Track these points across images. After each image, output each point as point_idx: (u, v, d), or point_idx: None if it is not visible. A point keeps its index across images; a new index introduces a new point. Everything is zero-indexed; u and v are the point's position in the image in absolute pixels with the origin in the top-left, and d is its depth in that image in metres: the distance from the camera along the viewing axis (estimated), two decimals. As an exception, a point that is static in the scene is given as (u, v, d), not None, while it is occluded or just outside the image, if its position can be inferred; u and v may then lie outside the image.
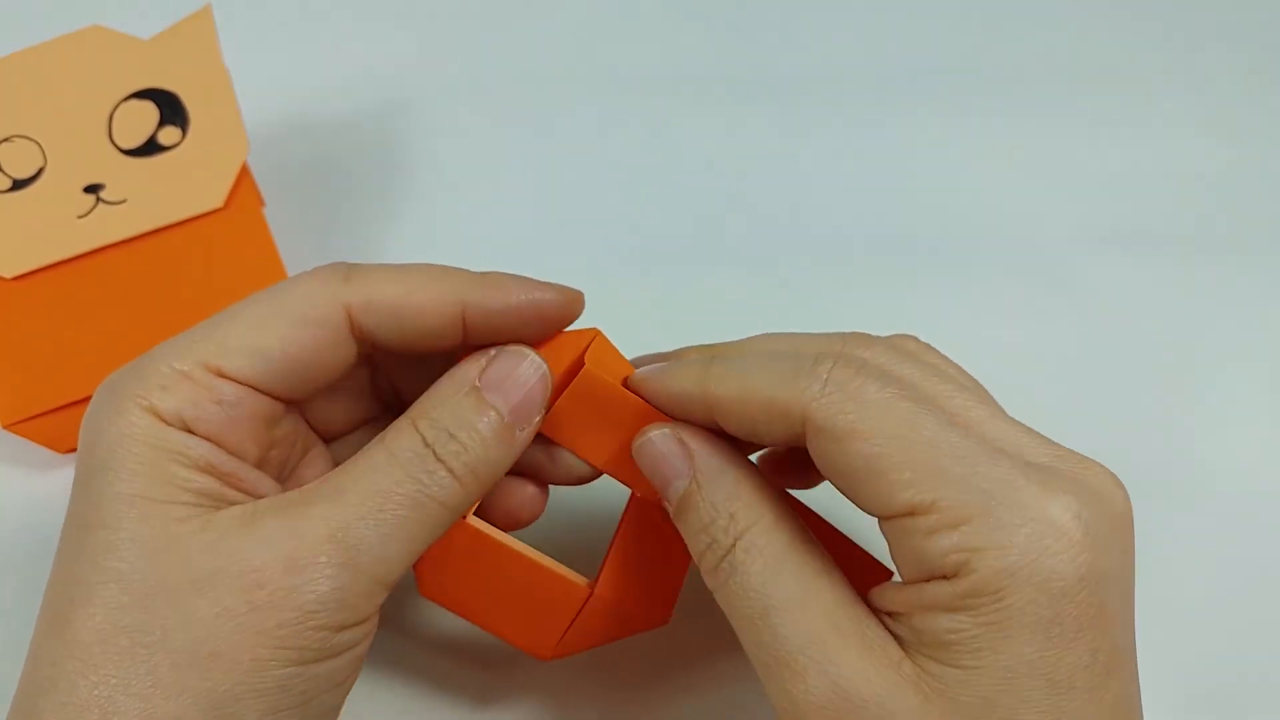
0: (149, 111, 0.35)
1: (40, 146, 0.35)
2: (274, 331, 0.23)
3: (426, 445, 0.23)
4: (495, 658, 0.31)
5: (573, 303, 0.25)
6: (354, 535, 0.22)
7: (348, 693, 0.23)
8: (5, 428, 0.32)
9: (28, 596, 0.32)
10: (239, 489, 0.23)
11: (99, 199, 0.34)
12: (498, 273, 0.24)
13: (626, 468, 0.26)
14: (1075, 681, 0.20)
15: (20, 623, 0.31)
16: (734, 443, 0.25)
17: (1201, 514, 0.34)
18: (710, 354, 0.26)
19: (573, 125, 0.42)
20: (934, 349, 0.26)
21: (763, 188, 0.41)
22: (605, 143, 0.42)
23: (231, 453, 0.23)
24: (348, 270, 0.24)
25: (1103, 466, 0.23)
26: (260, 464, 0.24)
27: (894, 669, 0.21)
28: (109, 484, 0.22)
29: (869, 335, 0.25)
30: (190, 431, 0.22)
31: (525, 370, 0.24)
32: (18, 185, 0.34)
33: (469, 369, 0.24)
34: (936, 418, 0.21)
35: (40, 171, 0.35)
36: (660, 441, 0.24)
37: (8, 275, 0.33)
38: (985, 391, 0.25)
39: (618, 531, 0.27)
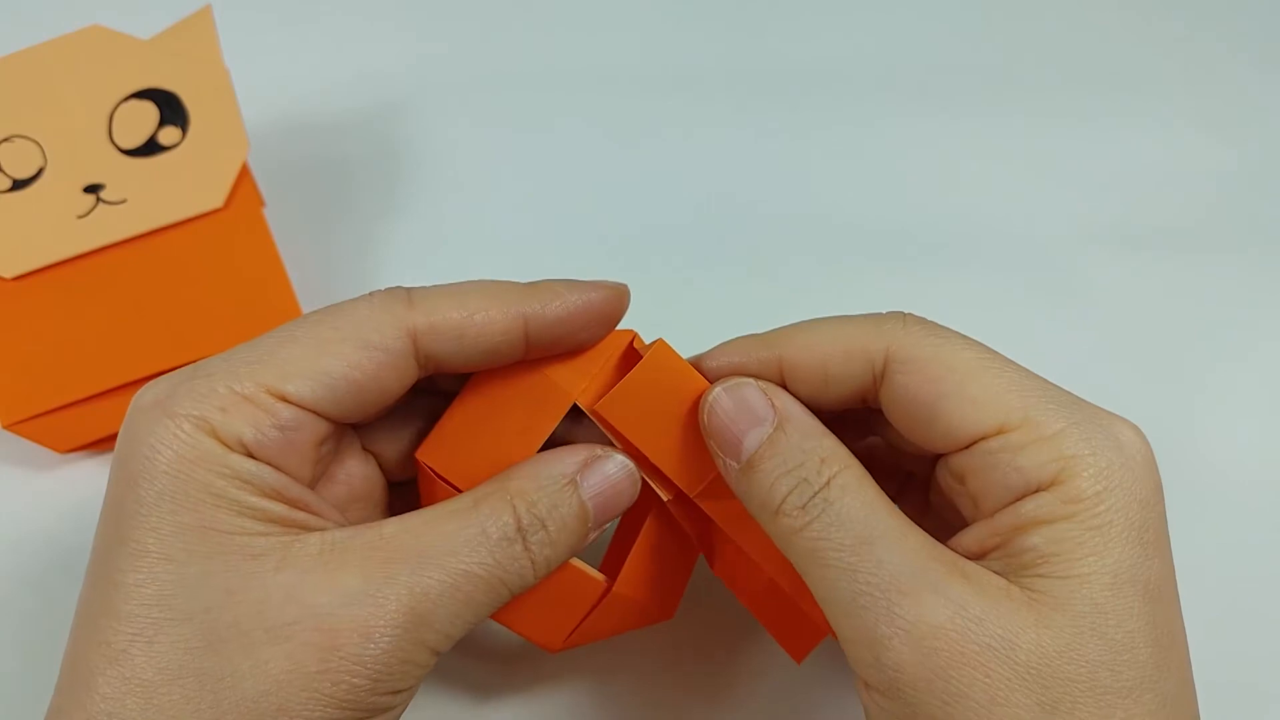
0: (149, 111, 0.35)
1: (40, 146, 0.35)
2: (338, 355, 0.23)
3: (519, 531, 0.23)
4: (500, 652, 0.31)
5: (622, 297, 0.25)
6: (430, 610, 0.22)
7: None
8: (5, 428, 0.32)
9: (28, 596, 0.32)
10: (307, 511, 0.23)
11: (99, 199, 0.34)
12: (548, 281, 0.24)
13: (675, 456, 0.25)
14: (1163, 591, 0.22)
15: (21, 621, 0.31)
16: None
17: (1201, 513, 0.34)
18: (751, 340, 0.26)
19: (572, 125, 0.42)
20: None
21: (762, 187, 0.41)
22: (604, 142, 0.42)
23: (290, 476, 0.23)
24: (408, 295, 0.24)
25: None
26: (310, 483, 0.24)
27: (1003, 592, 0.21)
28: (171, 513, 0.21)
29: (901, 314, 0.25)
30: (252, 456, 0.22)
31: (619, 473, 0.25)
32: (18, 185, 0.34)
33: (569, 461, 0.24)
34: (1003, 357, 0.23)
35: (40, 171, 0.35)
36: (739, 389, 0.24)
37: (8, 275, 0.33)
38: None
39: (642, 531, 0.27)
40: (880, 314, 0.24)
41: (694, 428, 0.25)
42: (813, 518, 0.22)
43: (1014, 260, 0.39)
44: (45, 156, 0.35)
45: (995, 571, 0.22)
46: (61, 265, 0.34)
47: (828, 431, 0.24)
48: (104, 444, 0.34)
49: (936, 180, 0.41)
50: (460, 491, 0.25)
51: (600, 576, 0.26)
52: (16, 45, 0.35)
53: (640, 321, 0.38)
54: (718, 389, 0.24)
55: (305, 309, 0.35)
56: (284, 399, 0.22)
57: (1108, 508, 0.21)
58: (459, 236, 0.39)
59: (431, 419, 0.26)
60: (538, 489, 0.24)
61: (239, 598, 0.21)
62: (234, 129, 0.35)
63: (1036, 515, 0.21)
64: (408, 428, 0.27)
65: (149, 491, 0.21)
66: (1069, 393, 0.23)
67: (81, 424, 0.33)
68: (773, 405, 0.24)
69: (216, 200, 0.34)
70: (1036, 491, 0.22)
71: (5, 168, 0.34)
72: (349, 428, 0.26)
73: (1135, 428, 0.23)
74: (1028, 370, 0.23)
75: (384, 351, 0.23)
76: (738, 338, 0.26)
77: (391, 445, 0.27)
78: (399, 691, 0.22)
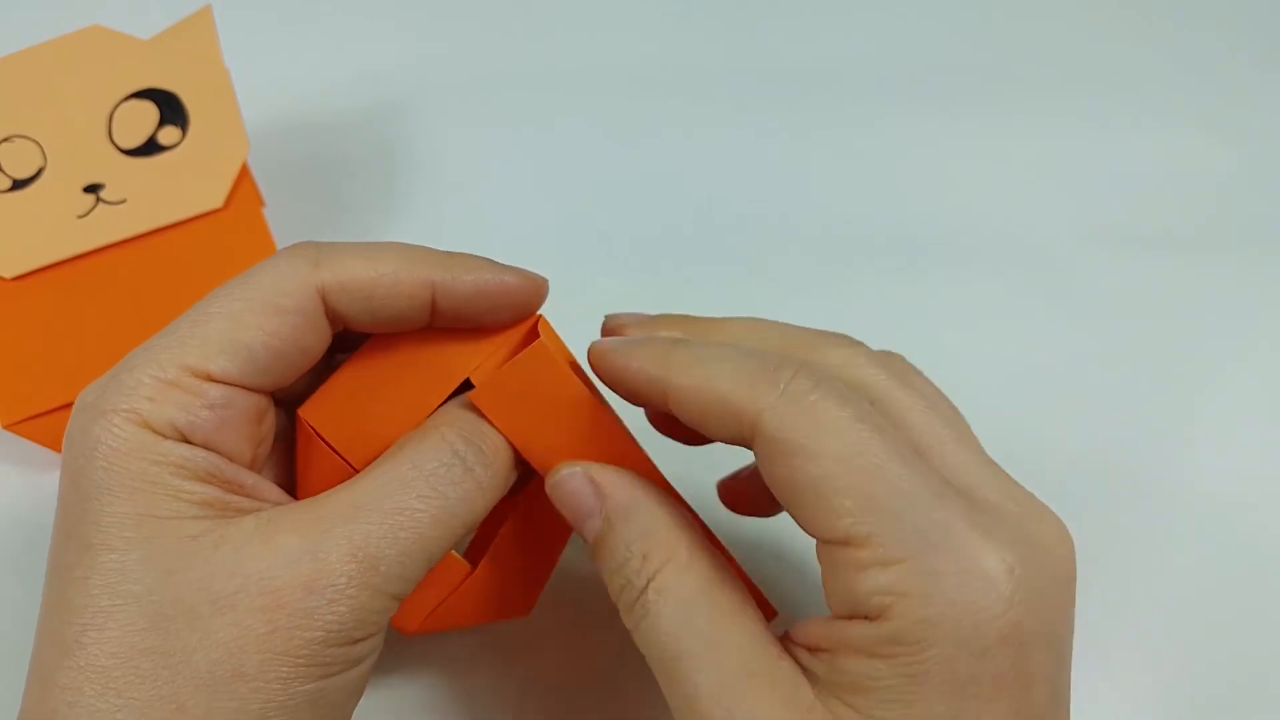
0: (149, 111, 0.35)
1: (40, 146, 0.35)
2: (253, 325, 0.22)
3: (456, 456, 0.23)
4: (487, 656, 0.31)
5: (539, 288, 0.25)
6: (374, 553, 0.21)
7: (361, 695, 0.23)
8: (5, 428, 0.32)
9: (28, 596, 0.32)
10: (242, 494, 0.23)
11: (99, 199, 0.34)
12: (467, 254, 0.24)
13: (548, 452, 0.25)
14: None
15: (19, 623, 0.31)
16: (685, 434, 0.25)
17: (1202, 513, 0.34)
18: (684, 329, 0.25)
19: (572, 125, 0.42)
20: (917, 371, 0.25)
21: (762, 187, 0.41)
22: (604, 142, 0.42)
23: (228, 456, 0.23)
24: (316, 252, 0.23)
25: (1053, 515, 0.22)
26: (253, 461, 0.24)
27: (805, 713, 0.20)
28: (109, 505, 0.21)
29: (850, 340, 0.24)
30: (187, 440, 0.22)
31: None
32: (18, 185, 0.34)
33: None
34: (890, 445, 0.21)
35: (40, 171, 0.35)
36: (572, 481, 0.24)
37: (8, 275, 0.33)
38: (958, 416, 0.24)
39: (507, 520, 0.26)
40: (778, 356, 0.22)
41: (569, 427, 0.24)
42: (635, 625, 0.22)
43: (1014, 260, 0.39)
44: (45, 156, 0.35)
45: (818, 674, 0.21)
46: (61, 265, 0.34)
47: (657, 515, 0.23)
48: (104, 444, 0.34)
49: (936, 180, 0.41)
50: (339, 455, 0.25)
51: (463, 561, 0.26)
52: (16, 45, 0.35)
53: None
54: (553, 477, 0.24)
55: (305, 309, 0.35)
56: (209, 378, 0.22)
57: (927, 657, 0.19)
58: (459, 236, 0.39)
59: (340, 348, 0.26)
60: (462, 421, 0.24)
61: (180, 577, 0.21)
62: (234, 129, 0.35)
63: (858, 643, 0.20)
64: (319, 380, 0.26)
65: (88, 486, 0.21)
66: (955, 500, 0.21)
67: (81, 424, 0.33)
68: (603, 498, 0.23)
69: (216, 200, 0.34)
70: (865, 618, 0.20)
71: (5, 168, 0.34)
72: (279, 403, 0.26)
73: (1015, 561, 0.20)
74: (920, 461, 0.21)
75: (297, 314, 0.23)
76: (659, 326, 0.25)
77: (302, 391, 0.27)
78: (358, 641, 0.22)
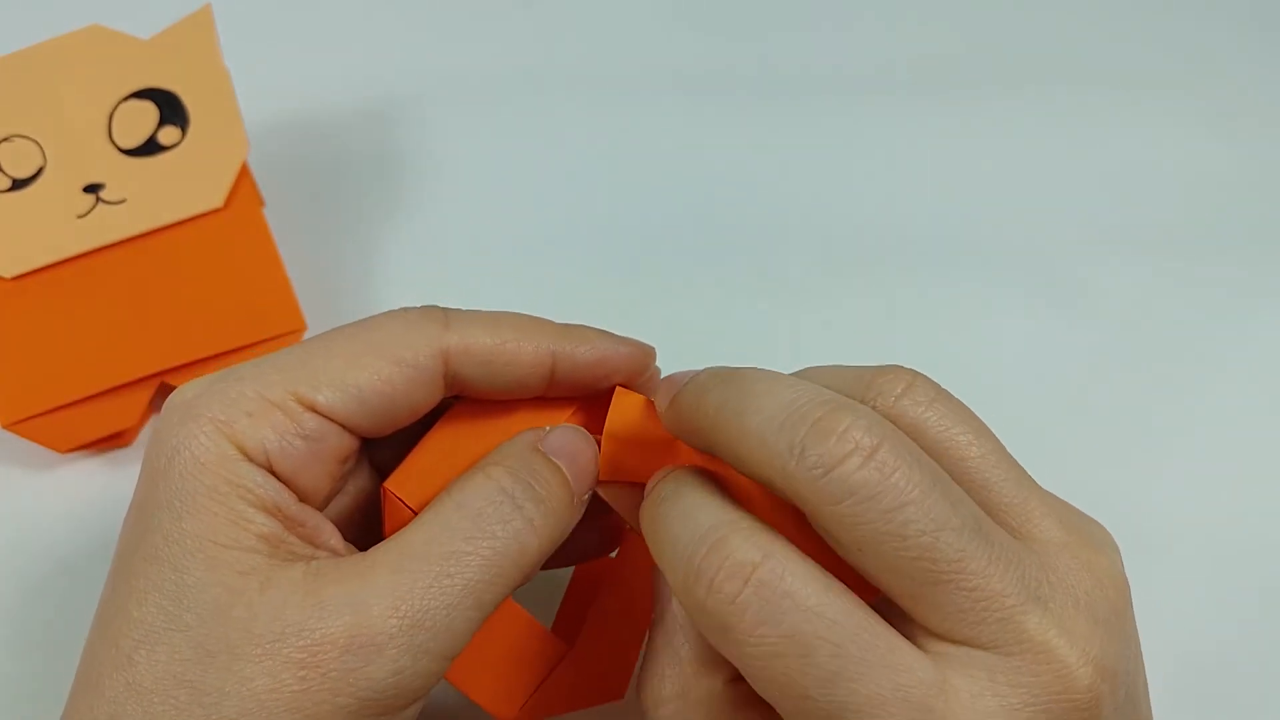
0: (149, 111, 0.35)
1: (40, 146, 0.35)
2: (370, 369, 0.22)
3: (504, 493, 0.22)
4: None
5: (648, 356, 0.25)
6: (418, 606, 0.21)
7: None
8: (5, 428, 0.32)
9: (28, 596, 0.32)
10: (300, 535, 0.22)
11: (99, 199, 0.34)
12: (581, 325, 0.25)
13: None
14: None
15: (20, 622, 0.31)
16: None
17: (1201, 513, 0.34)
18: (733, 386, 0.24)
19: (572, 125, 0.42)
20: (944, 398, 0.22)
21: (762, 187, 0.41)
22: (604, 142, 0.42)
23: (304, 491, 0.22)
24: (444, 315, 0.24)
25: (1105, 541, 0.21)
26: (325, 503, 0.24)
27: None
28: (179, 520, 0.21)
29: (905, 376, 0.22)
30: (270, 466, 0.22)
31: (580, 441, 0.24)
32: (17, 185, 0.34)
33: (528, 435, 0.24)
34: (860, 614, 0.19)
35: (40, 171, 0.35)
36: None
37: (8, 275, 0.33)
38: (989, 447, 0.22)
39: (599, 591, 0.26)
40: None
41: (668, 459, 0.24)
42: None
43: (1013, 260, 0.39)
44: (45, 156, 0.35)
45: None
46: (61, 265, 0.34)
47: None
48: (104, 444, 0.34)
49: (936, 180, 0.41)
50: None
51: (558, 639, 0.26)
52: (16, 45, 0.35)
53: (642, 319, 0.38)
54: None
55: (305, 309, 0.35)
56: (313, 409, 0.22)
57: None
58: (459, 236, 0.39)
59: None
60: (508, 456, 0.23)
61: (229, 614, 0.20)
62: (234, 129, 0.35)
63: None
64: (408, 439, 0.26)
65: (164, 494, 0.21)
66: (904, 653, 0.19)
67: (81, 424, 0.33)
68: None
69: (216, 200, 0.34)
70: None
71: (5, 167, 0.34)
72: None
73: (1014, 682, 0.19)
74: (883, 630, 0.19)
75: (416, 369, 0.23)
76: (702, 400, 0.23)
77: (393, 457, 0.26)
78: (397, 709, 0.21)
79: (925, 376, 0.22)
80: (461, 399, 0.25)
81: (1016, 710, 0.19)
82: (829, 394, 0.20)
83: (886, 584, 0.19)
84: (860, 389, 0.22)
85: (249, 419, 0.22)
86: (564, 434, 0.24)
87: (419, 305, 0.24)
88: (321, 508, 0.24)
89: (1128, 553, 0.23)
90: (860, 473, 0.19)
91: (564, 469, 0.24)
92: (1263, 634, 0.33)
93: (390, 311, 0.24)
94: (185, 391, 0.22)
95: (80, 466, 0.34)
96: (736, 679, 0.22)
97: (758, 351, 0.37)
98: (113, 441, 0.34)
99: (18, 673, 0.31)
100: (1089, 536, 0.22)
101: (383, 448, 0.26)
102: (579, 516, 0.24)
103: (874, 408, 0.21)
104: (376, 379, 0.23)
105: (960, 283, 0.39)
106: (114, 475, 0.34)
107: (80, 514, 0.33)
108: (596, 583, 0.27)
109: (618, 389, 0.24)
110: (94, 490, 0.34)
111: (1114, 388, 0.37)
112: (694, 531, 0.20)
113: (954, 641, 0.19)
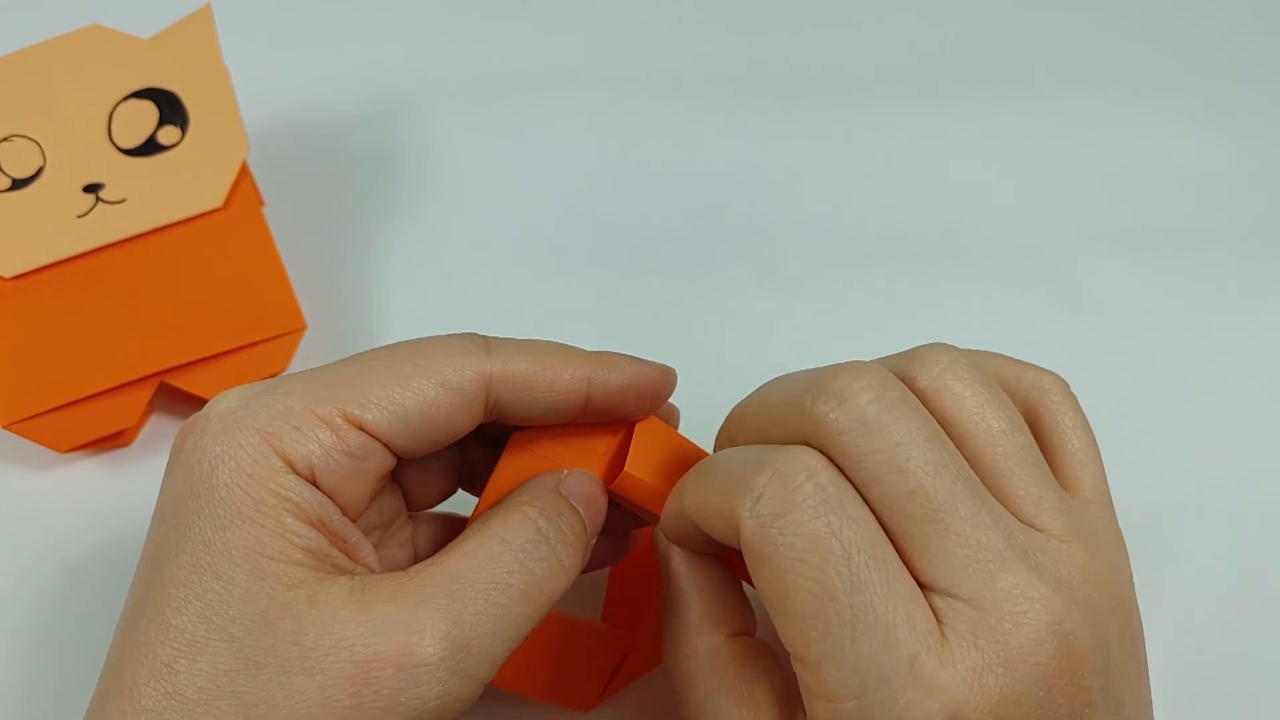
0: (149, 111, 0.35)
1: (40, 146, 0.35)
2: (416, 391, 0.23)
3: (540, 533, 0.23)
4: None
5: (670, 377, 0.26)
6: (468, 631, 0.21)
7: None
8: (5, 428, 0.32)
9: (28, 596, 0.32)
10: (343, 549, 0.22)
11: (98, 199, 0.34)
12: (611, 352, 0.25)
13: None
14: None
15: (20, 622, 0.31)
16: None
17: (1201, 514, 0.34)
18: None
19: (572, 125, 0.42)
20: (984, 381, 0.23)
21: (763, 187, 0.41)
22: (604, 142, 0.42)
23: (344, 507, 0.23)
24: (485, 341, 0.24)
25: (1111, 537, 0.23)
26: (358, 521, 0.24)
27: None
28: (223, 531, 0.21)
29: (940, 351, 0.23)
30: (314, 480, 0.22)
31: (594, 487, 0.25)
32: (17, 185, 0.34)
33: (548, 478, 0.25)
34: (856, 564, 0.20)
35: (40, 171, 0.35)
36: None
37: (8, 275, 0.33)
38: (1020, 441, 0.22)
39: (653, 583, 0.28)
40: (758, 456, 0.21)
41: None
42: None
43: (1013, 259, 0.39)
44: (45, 156, 0.35)
45: None
46: (61, 265, 0.34)
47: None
48: (104, 443, 0.34)
49: (936, 180, 0.41)
50: None
51: (621, 632, 0.28)
52: (16, 45, 0.35)
53: (642, 319, 0.38)
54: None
55: (305, 309, 0.35)
56: (360, 426, 0.22)
57: None
58: (459, 235, 0.39)
59: (458, 456, 0.28)
60: (539, 498, 0.24)
61: (276, 626, 0.21)
62: (234, 129, 0.35)
63: None
64: (435, 462, 0.27)
65: (206, 502, 0.21)
66: (912, 634, 0.20)
67: (81, 424, 0.33)
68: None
69: (216, 200, 0.34)
70: None
71: (5, 167, 0.35)
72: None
73: (1004, 666, 0.19)
74: (881, 590, 0.20)
75: (460, 393, 0.23)
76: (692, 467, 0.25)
77: (418, 478, 0.27)
78: None
79: (968, 357, 0.23)
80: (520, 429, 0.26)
81: (979, 671, 0.20)
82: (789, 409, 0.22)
83: (887, 521, 0.21)
84: (903, 364, 0.23)
85: (297, 433, 0.22)
86: (580, 479, 0.25)
87: (460, 333, 0.24)
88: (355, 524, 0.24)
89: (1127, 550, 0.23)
90: (871, 406, 0.21)
91: (581, 513, 0.25)
92: (1262, 632, 0.33)
93: (433, 336, 0.24)
94: (226, 400, 0.23)
95: (80, 466, 0.34)
96: (736, 634, 0.24)
97: (758, 351, 0.37)
98: (112, 441, 0.34)
99: (18, 672, 0.31)
100: (1096, 538, 0.22)
101: (403, 469, 0.26)
102: (589, 558, 0.25)
103: (914, 382, 0.22)
104: (422, 401, 0.23)
105: (960, 281, 0.39)
106: (114, 475, 0.34)
107: (80, 514, 0.33)
108: (644, 576, 0.28)
109: (637, 426, 0.26)
110: (94, 490, 0.34)
111: (1113, 387, 0.37)
112: (739, 459, 0.22)
113: (937, 591, 0.20)
